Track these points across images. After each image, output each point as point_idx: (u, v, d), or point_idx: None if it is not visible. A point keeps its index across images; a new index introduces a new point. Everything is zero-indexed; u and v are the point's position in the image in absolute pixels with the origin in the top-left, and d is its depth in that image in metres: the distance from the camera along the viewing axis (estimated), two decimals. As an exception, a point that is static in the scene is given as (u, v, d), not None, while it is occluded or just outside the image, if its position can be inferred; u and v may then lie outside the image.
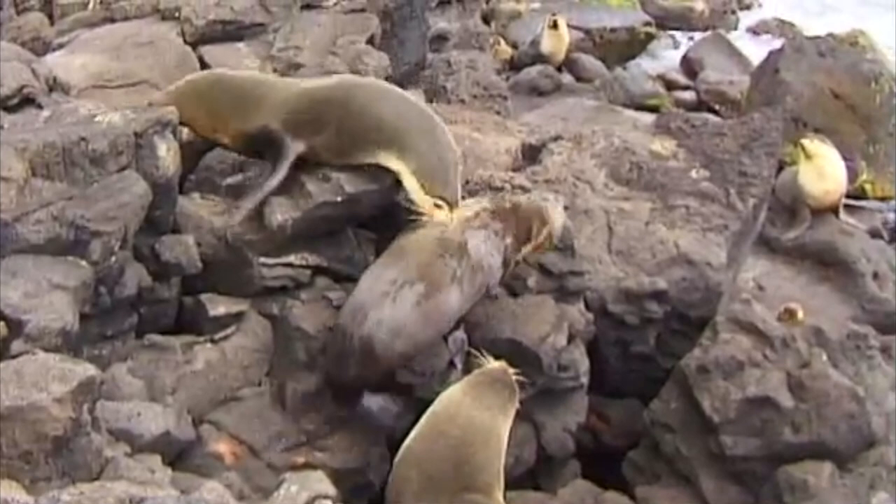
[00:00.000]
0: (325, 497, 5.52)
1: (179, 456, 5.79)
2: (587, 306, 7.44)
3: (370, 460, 6.33)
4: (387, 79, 8.34)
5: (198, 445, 5.94)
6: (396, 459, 5.77)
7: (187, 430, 5.87)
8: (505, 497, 6.85)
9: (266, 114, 6.59)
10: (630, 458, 7.41)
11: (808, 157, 10.07)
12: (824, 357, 7.09)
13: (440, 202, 6.36)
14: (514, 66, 14.92)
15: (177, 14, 9.66)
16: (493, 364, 6.02)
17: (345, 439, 6.22)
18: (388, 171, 6.52)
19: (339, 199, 6.50)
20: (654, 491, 7.09)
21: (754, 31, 18.81)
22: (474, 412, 5.74)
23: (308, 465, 5.90)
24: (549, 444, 7.16)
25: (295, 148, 6.48)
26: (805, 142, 10.13)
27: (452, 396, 5.87)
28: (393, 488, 5.72)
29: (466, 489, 5.53)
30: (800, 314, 7.89)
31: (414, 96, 7.06)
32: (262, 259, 6.48)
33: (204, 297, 6.46)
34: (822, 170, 10.15)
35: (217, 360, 6.29)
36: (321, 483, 5.60)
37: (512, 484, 7.01)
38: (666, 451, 7.18)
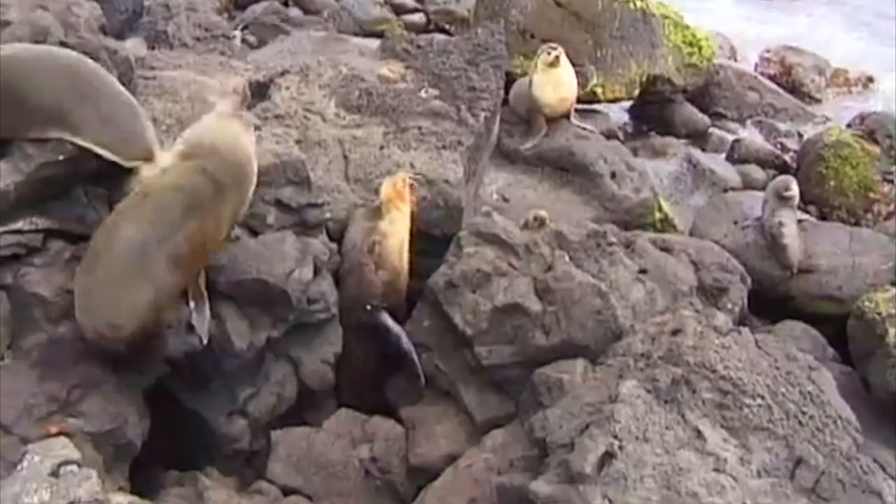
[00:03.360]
0: (72, 462, 5.33)
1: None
2: (330, 237, 7.37)
3: (128, 419, 6.11)
4: (101, 28, 7.92)
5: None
6: None
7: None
8: (270, 436, 6.92)
9: None
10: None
11: (549, 66, 10.18)
12: (567, 258, 7.26)
13: (138, 160, 6.19)
14: (238, 4, 14.54)
15: None
16: None
17: (97, 402, 5.97)
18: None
19: (61, 157, 6.17)
20: (417, 410, 7.14)
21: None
22: None
23: (63, 434, 5.67)
24: (309, 378, 7.15)
25: None
26: (546, 54, 10.23)
27: None
28: None
29: None
30: (547, 220, 8.07)
31: (68, 55, 6.61)
32: (-11, 228, 6.09)
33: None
34: (558, 78, 10.32)
35: (-46, 339, 5.93)
36: (65, 449, 5.44)
37: (277, 422, 6.98)
38: (426, 369, 7.23)
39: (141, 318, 5.98)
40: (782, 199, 9.52)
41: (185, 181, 6.16)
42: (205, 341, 6.37)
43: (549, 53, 10.19)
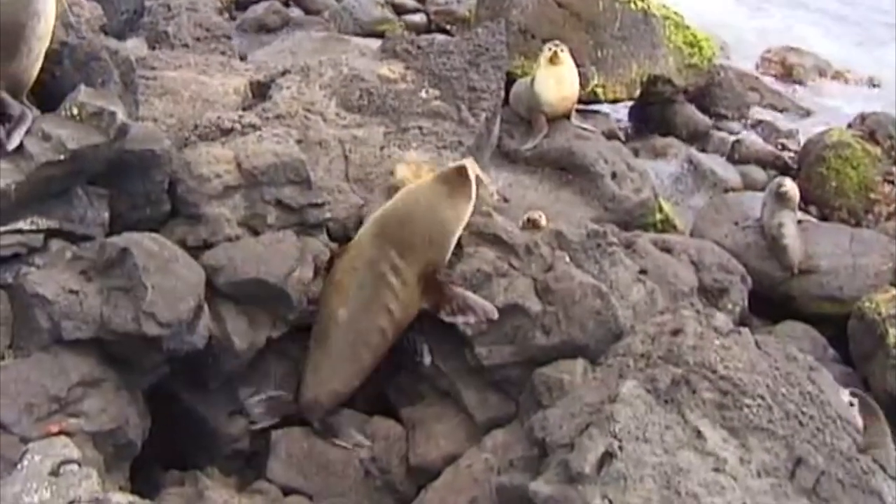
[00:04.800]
0: (72, 462, 5.34)
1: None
2: (330, 237, 7.37)
3: (128, 418, 6.15)
4: (102, 28, 7.93)
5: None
6: None
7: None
8: (270, 436, 6.91)
9: None
10: (394, 382, 7.42)
11: (553, 63, 10.18)
12: (567, 258, 7.26)
13: None
14: (239, 4, 14.56)
15: None
16: None
17: (97, 402, 5.99)
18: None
19: (62, 157, 6.14)
20: (418, 410, 7.14)
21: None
22: None
23: (63, 433, 5.70)
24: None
25: None
26: (548, 50, 10.23)
27: None
28: None
29: None
30: (542, 221, 8.06)
31: None
32: (-10, 228, 6.09)
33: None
34: (560, 75, 10.32)
35: (-46, 338, 5.92)
36: (66, 448, 5.45)
37: (281, 421, 6.99)
38: (426, 370, 7.22)
39: (355, 382, 7.05)
40: (779, 196, 9.53)
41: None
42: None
43: (550, 49, 10.20)
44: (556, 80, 10.32)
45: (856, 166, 11.35)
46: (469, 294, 6.96)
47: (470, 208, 7.20)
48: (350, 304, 6.93)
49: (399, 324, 7.03)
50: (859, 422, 6.47)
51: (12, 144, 6.07)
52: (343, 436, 6.93)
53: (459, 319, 6.94)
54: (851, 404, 6.64)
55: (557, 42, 10.40)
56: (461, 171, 7.19)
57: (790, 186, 9.62)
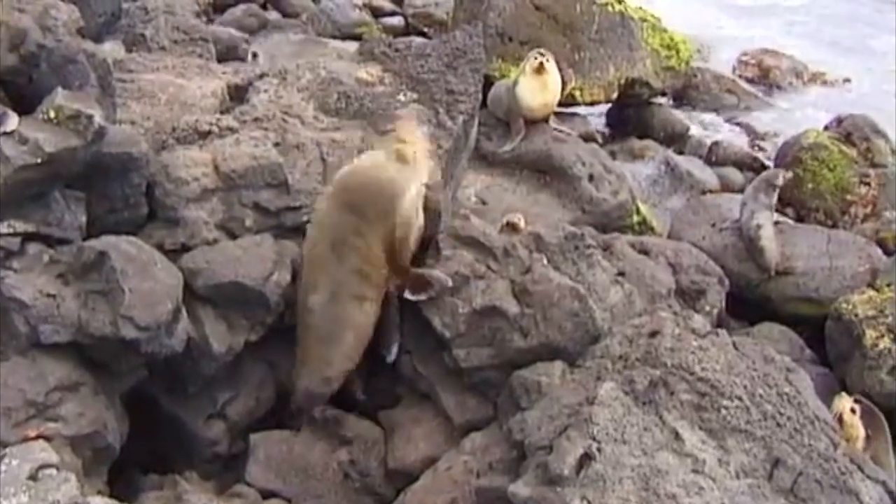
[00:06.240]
0: (50, 466, 5.32)
1: None
2: (308, 240, 7.36)
3: (106, 422, 6.13)
4: (79, 31, 7.89)
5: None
6: None
7: None
8: (249, 439, 6.94)
9: None
10: (371, 384, 7.42)
11: (538, 73, 10.18)
12: (545, 261, 7.27)
13: None
14: (217, 7, 14.53)
15: None
16: None
17: (76, 406, 5.98)
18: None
19: (39, 160, 6.10)
20: (396, 413, 7.14)
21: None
22: None
23: (42, 437, 5.69)
24: (287, 381, 7.17)
25: None
26: (534, 60, 10.21)
27: None
28: None
29: None
30: (521, 224, 8.08)
31: None
32: (-33, 233, 6.06)
33: None
34: (544, 83, 10.32)
35: (-68, 344, 5.89)
36: (44, 453, 5.43)
37: (256, 425, 6.99)
38: (404, 372, 7.23)
39: (346, 364, 7.03)
40: (770, 187, 9.60)
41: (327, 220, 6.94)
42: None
43: (535, 59, 10.20)
44: (540, 88, 10.31)
45: (832, 168, 11.41)
46: (426, 270, 7.03)
47: (414, 168, 7.13)
48: (319, 284, 6.88)
49: (378, 286, 6.98)
50: (861, 431, 6.54)
51: None
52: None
53: (423, 297, 6.98)
54: (853, 411, 6.70)
55: (543, 51, 10.40)
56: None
57: (784, 177, 9.72)
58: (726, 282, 8.29)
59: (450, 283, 6.95)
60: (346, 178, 7.03)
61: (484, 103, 10.10)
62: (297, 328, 7.02)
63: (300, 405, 7.10)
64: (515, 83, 10.38)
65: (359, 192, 6.94)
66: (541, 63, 10.14)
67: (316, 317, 6.90)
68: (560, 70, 10.76)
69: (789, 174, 10.14)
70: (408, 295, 7.00)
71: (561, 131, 10.50)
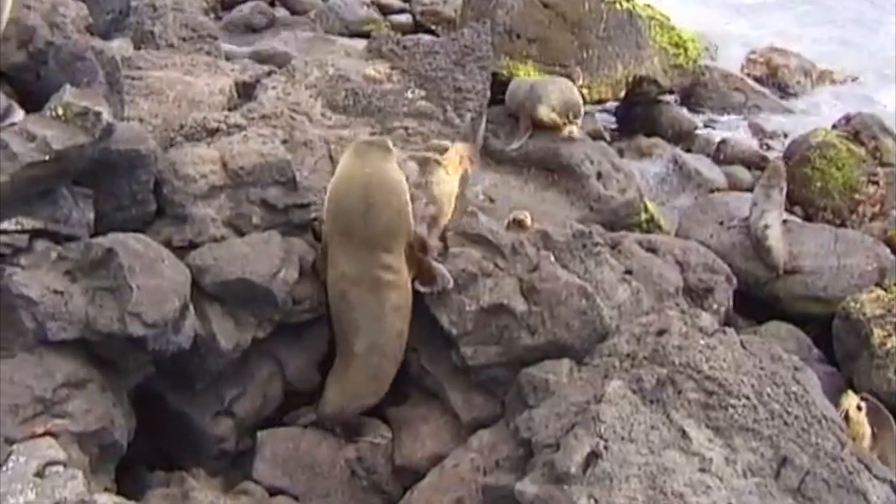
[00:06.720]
0: (57, 463, 5.32)
1: None
2: (316, 237, 7.37)
3: (114, 420, 6.12)
4: (88, 28, 7.90)
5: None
6: None
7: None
8: (256, 436, 6.92)
9: None
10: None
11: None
12: (552, 259, 7.26)
13: None
14: (225, 4, 14.53)
15: None
16: None
17: (83, 403, 5.96)
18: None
19: (47, 157, 6.11)
20: (404, 411, 7.15)
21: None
22: None
23: (49, 434, 5.67)
24: (294, 378, 7.19)
25: None
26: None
27: None
28: None
29: None
30: (528, 221, 8.07)
31: None
32: (-26, 229, 6.06)
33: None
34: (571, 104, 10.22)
35: (-61, 340, 5.89)
36: (51, 450, 5.42)
37: (262, 422, 6.98)
38: (412, 370, 7.23)
39: (384, 391, 7.08)
40: (773, 172, 9.65)
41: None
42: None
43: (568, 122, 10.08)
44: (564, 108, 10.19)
45: (840, 167, 11.38)
46: (434, 263, 7.03)
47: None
48: (361, 330, 6.87)
49: (410, 309, 7.02)
50: (867, 428, 6.52)
51: None
52: (368, 433, 7.03)
53: (428, 289, 7.00)
54: (859, 408, 6.68)
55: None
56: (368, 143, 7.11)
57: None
58: (734, 280, 8.28)
59: (451, 284, 6.95)
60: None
61: (492, 101, 10.08)
62: (338, 357, 7.13)
63: (324, 421, 7.14)
64: (540, 89, 10.18)
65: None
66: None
67: (362, 360, 6.93)
68: (567, 66, 10.68)
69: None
70: (418, 286, 6.99)
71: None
